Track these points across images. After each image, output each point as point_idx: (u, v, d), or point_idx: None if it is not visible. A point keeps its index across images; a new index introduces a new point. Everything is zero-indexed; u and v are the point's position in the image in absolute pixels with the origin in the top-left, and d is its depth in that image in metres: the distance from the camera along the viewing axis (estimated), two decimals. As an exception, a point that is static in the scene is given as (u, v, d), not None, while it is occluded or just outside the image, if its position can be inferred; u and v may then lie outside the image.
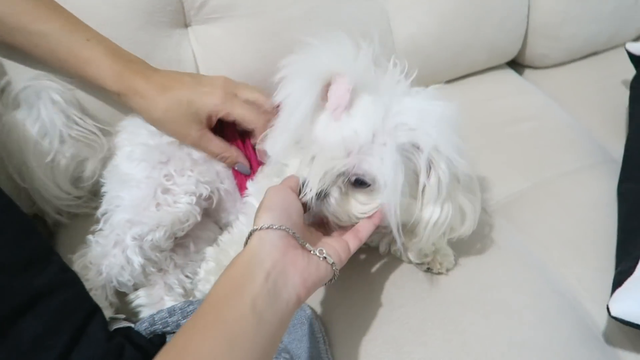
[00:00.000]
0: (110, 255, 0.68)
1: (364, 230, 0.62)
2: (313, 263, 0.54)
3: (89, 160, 0.77)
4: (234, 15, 0.85)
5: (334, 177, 0.58)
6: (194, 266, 0.76)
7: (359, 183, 0.59)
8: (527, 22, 1.07)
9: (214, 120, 0.74)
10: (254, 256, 0.51)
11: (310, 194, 0.57)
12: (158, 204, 0.70)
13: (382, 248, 0.75)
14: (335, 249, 0.58)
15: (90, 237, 0.71)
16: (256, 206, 0.58)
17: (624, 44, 1.12)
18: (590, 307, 0.73)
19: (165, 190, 0.71)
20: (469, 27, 1.00)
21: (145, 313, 0.71)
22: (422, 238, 0.64)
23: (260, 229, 0.53)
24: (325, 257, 0.55)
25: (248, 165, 0.77)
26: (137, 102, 0.71)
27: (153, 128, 0.74)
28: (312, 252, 0.56)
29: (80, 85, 0.78)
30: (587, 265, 0.76)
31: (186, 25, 0.86)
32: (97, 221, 0.72)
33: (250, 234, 0.54)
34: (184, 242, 0.78)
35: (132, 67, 0.71)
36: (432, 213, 0.61)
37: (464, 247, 0.77)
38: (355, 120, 0.56)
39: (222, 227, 0.82)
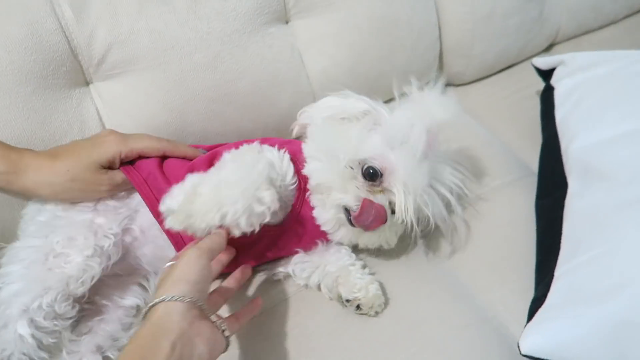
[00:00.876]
0: (1, 338, 0.64)
1: (244, 317, 0.69)
2: (216, 333, 0.57)
3: None
4: (136, 69, 0.83)
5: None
6: (118, 345, 0.72)
7: None
8: (441, 44, 1.09)
9: (117, 163, 0.73)
10: (160, 327, 0.53)
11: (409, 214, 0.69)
12: (49, 269, 0.66)
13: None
14: (227, 323, 0.61)
15: None
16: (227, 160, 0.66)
17: (535, 55, 1.17)
18: (516, 330, 0.72)
19: (57, 255, 0.67)
20: (381, 55, 1.00)
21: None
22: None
23: (171, 299, 0.54)
24: (224, 330, 0.58)
25: None
26: (30, 177, 0.69)
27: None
28: (215, 322, 0.58)
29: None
30: (511, 288, 0.77)
31: (87, 83, 0.83)
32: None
33: (154, 305, 0.54)
34: (104, 316, 0.74)
35: (14, 148, 0.70)
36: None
37: (391, 281, 0.77)
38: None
39: (147, 279, 0.78)
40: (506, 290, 0.77)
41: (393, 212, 0.70)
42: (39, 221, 0.71)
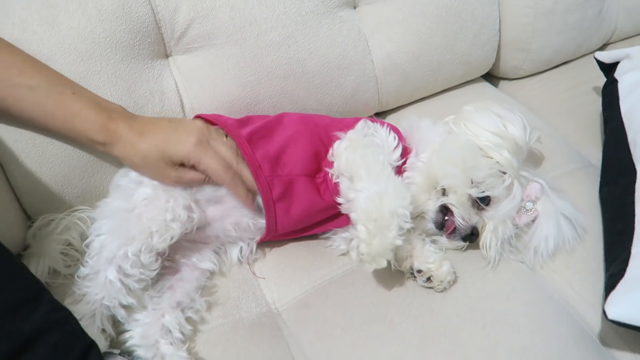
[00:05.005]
0: (93, 281, 0.68)
1: None
2: None
3: None
4: (214, 44, 0.86)
5: None
6: (195, 306, 0.75)
7: None
8: (499, 36, 1.11)
9: (188, 165, 0.74)
10: None
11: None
12: (134, 223, 0.70)
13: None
14: None
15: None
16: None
17: (591, 53, 1.17)
18: (584, 310, 0.74)
19: (142, 211, 0.71)
20: (445, 44, 1.02)
21: (139, 353, 0.69)
22: None
23: None
24: None
25: None
26: (119, 149, 0.73)
27: None
28: None
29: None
30: (578, 270, 0.78)
31: (167, 56, 0.87)
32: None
33: None
34: (182, 275, 0.77)
35: (114, 116, 0.73)
36: None
37: (456, 257, 0.78)
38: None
39: (224, 248, 0.81)
40: (572, 272, 0.78)
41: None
42: (129, 177, 0.75)
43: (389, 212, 0.67)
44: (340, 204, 0.76)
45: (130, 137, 0.72)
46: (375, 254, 0.68)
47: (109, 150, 0.74)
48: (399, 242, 0.68)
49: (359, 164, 0.72)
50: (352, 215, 0.72)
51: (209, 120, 0.80)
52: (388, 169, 0.73)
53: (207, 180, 0.75)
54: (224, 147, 0.76)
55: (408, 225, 0.69)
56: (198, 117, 0.82)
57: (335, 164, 0.77)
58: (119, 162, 0.81)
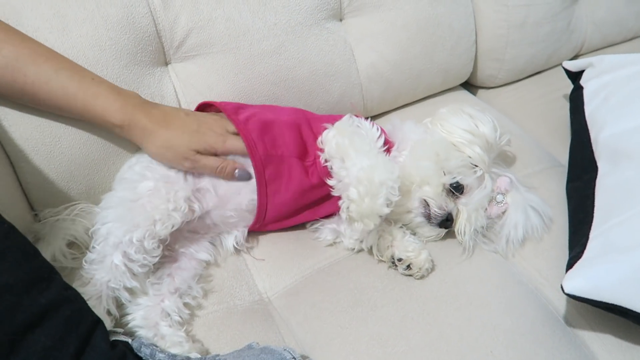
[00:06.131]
0: (100, 265, 0.73)
1: None
2: None
3: None
4: (210, 53, 0.93)
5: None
6: (192, 293, 0.80)
7: None
8: (476, 47, 1.19)
9: (210, 152, 0.82)
10: None
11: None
12: (138, 211, 0.76)
13: (367, 243, 0.84)
14: None
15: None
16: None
17: (561, 64, 1.26)
18: (550, 293, 0.80)
19: (146, 201, 0.77)
20: (424, 54, 1.10)
21: (140, 333, 0.74)
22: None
23: None
24: None
25: (247, 171, 0.83)
26: (138, 134, 0.79)
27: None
28: None
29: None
30: (545, 258, 0.85)
31: (166, 63, 0.93)
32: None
33: None
34: (180, 264, 0.83)
35: (132, 102, 0.80)
36: None
37: (435, 250, 0.84)
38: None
39: (220, 239, 0.87)
40: (540, 259, 0.85)
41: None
42: (134, 171, 0.81)
43: (379, 181, 0.74)
44: (332, 187, 0.82)
45: (151, 125, 0.79)
46: (364, 214, 0.75)
47: (125, 132, 0.80)
48: (386, 210, 0.74)
49: (348, 146, 0.79)
50: (345, 181, 0.78)
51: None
52: (376, 149, 0.80)
53: (219, 169, 0.81)
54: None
55: (395, 198, 0.75)
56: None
57: (325, 149, 0.83)
58: (121, 159, 0.88)
